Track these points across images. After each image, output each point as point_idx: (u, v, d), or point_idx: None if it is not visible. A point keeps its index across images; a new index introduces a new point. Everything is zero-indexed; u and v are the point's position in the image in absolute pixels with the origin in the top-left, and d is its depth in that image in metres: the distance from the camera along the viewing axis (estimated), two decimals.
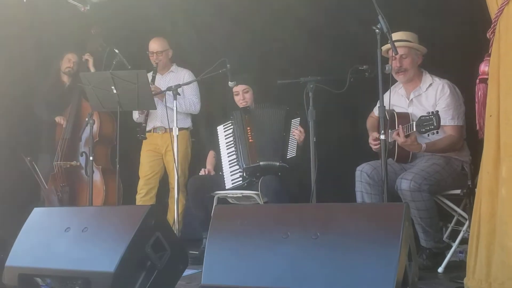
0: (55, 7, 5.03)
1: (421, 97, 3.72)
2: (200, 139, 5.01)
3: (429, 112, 3.35)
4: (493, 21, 2.72)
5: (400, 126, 3.49)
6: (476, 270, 2.68)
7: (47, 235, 2.74)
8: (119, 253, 2.45)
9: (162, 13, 5.26)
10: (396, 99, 3.82)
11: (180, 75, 4.83)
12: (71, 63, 5.27)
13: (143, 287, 2.54)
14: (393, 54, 3.46)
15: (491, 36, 2.76)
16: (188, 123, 4.83)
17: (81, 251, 2.58)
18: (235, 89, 4.33)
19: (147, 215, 2.59)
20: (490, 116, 2.69)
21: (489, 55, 2.77)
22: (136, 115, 4.84)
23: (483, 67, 2.82)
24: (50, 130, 5.24)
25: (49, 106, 5.22)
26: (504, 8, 2.62)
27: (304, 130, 4.11)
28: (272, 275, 2.10)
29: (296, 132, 4.15)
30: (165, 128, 4.75)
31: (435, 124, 3.25)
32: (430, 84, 3.71)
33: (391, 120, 3.62)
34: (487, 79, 2.78)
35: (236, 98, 4.38)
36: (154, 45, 4.81)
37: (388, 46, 3.50)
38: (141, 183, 4.86)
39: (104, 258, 2.48)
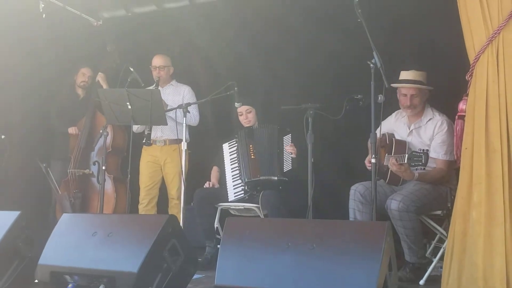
0: (71, 23, 5.32)
1: (420, 130, 3.94)
2: (201, 153, 5.15)
3: (421, 149, 3.61)
4: (471, 66, 3.06)
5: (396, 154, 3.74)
6: (449, 282, 3.01)
7: (76, 238, 3.04)
8: (142, 256, 2.75)
9: (171, 32, 5.56)
10: (398, 125, 4.07)
11: (180, 90, 5.07)
12: (86, 77, 5.55)
13: (160, 286, 2.84)
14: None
15: (469, 79, 3.09)
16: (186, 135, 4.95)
17: (107, 253, 2.88)
18: (239, 109, 4.66)
19: (166, 224, 2.90)
20: (466, 148, 3.03)
21: (467, 95, 3.10)
22: (135, 127, 4.90)
23: (461, 105, 3.15)
24: (63, 139, 5.47)
25: (63, 116, 5.48)
26: (480, 56, 2.97)
27: (296, 144, 4.42)
28: (275, 278, 2.45)
29: (287, 149, 4.48)
30: (164, 140, 4.96)
31: (423, 162, 3.53)
32: (430, 119, 3.91)
33: (389, 145, 3.90)
34: (464, 116, 3.11)
35: (240, 118, 4.72)
36: (157, 60, 5.06)
37: (397, 84, 3.82)
38: (142, 193, 5.00)
39: (128, 260, 2.77)
